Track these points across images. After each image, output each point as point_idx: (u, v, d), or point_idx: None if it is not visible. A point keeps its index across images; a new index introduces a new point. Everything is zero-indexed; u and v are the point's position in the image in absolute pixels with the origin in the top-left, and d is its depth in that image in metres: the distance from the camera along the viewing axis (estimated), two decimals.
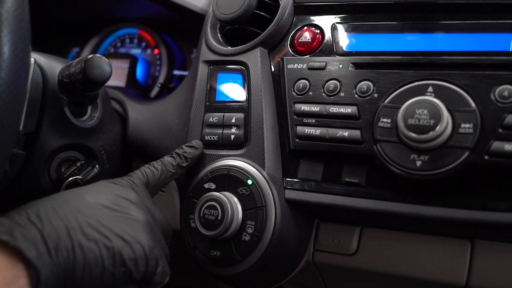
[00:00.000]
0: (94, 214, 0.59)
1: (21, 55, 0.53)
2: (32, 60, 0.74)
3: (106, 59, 0.71)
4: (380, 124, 0.69)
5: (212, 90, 0.84)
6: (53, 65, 0.77)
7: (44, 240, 0.52)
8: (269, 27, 0.82)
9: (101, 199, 0.61)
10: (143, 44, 1.26)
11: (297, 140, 0.75)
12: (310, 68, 0.77)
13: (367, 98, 0.71)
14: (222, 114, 0.81)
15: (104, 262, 0.56)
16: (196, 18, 1.00)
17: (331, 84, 0.75)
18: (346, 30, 0.78)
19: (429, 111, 0.63)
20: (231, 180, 0.75)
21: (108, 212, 0.60)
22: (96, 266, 0.55)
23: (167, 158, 0.76)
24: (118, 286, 0.59)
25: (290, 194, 0.75)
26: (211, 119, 0.82)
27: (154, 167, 0.73)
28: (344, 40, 0.78)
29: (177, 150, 0.78)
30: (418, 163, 0.65)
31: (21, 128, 0.71)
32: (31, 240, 0.51)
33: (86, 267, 0.54)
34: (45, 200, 0.58)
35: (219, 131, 0.80)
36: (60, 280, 0.52)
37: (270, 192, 0.74)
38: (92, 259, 0.55)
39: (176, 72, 1.20)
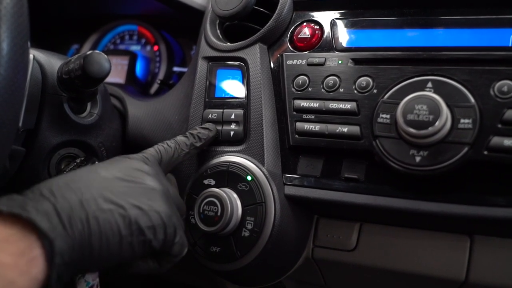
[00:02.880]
0: (109, 186, 0.58)
1: (20, 51, 0.53)
2: (31, 56, 0.74)
3: (105, 55, 0.71)
4: (379, 119, 0.69)
5: (211, 87, 0.84)
6: (52, 62, 0.77)
7: (57, 212, 0.51)
8: (268, 23, 0.82)
9: (115, 172, 0.60)
10: (143, 40, 1.26)
11: (297, 136, 0.75)
12: (309, 64, 0.77)
13: (367, 94, 0.71)
14: (222, 110, 0.81)
15: (121, 231, 0.55)
16: (195, 15, 1.00)
17: (331, 80, 0.75)
18: (345, 26, 0.78)
19: (428, 107, 0.63)
20: (231, 176, 0.75)
21: (123, 183, 0.59)
22: (113, 236, 0.54)
23: (180, 138, 0.75)
24: (138, 256, 0.58)
25: (290, 190, 0.75)
26: (210, 115, 0.82)
27: (167, 145, 0.73)
28: (343, 36, 0.78)
29: (191, 131, 0.78)
30: (418, 159, 0.65)
31: (20, 124, 0.71)
32: (44, 213, 0.50)
33: (103, 238, 0.53)
34: (59, 177, 0.57)
35: (219, 127, 0.80)
36: (77, 252, 0.51)
37: (270, 188, 0.74)
38: (108, 229, 0.54)
39: (175, 69, 1.20)
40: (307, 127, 0.74)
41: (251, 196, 0.73)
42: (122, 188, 0.58)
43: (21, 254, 0.47)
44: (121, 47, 1.28)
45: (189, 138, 0.75)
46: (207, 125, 0.80)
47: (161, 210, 0.60)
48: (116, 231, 0.55)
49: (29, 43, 0.56)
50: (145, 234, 0.57)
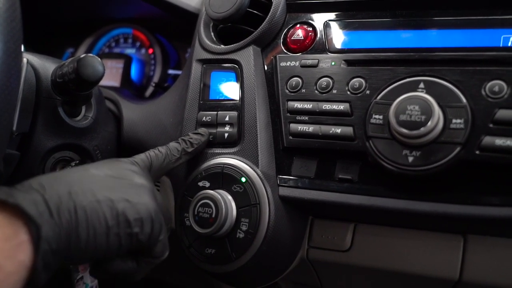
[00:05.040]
0: (98, 181, 0.58)
1: (13, 55, 0.53)
2: (24, 60, 0.74)
3: (99, 59, 0.71)
4: (372, 120, 0.69)
5: (205, 89, 0.84)
6: (46, 65, 0.77)
7: (45, 201, 0.51)
8: (262, 25, 0.82)
9: (105, 170, 0.61)
10: (138, 44, 1.26)
11: (290, 137, 0.76)
12: (302, 66, 0.77)
13: (359, 95, 0.72)
14: (216, 112, 0.81)
15: (108, 222, 0.55)
16: (189, 17, 1.00)
17: (324, 81, 0.75)
18: (338, 28, 0.79)
19: (420, 107, 0.64)
20: (225, 178, 0.76)
21: (112, 179, 0.60)
22: (100, 227, 0.55)
23: (172, 144, 0.76)
24: (125, 250, 0.58)
25: (284, 191, 0.75)
26: (204, 118, 0.82)
27: (158, 150, 0.73)
28: (336, 37, 0.78)
29: (183, 137, 0.78)
30: (410, 159, 0.65)
31: (14, 128, 0.71)
32: (32, 201, 0.50)
33: (90, 228, 0.54)
34: (49, 173, 0.59)
35: (213, 129, 0.80)
36: (64, 240, 0.52)
37: (264, 189, 0.74)
38: (95, 219, 0.54)
39: (170, 72, 1.21)
40: (300, 128, 0.75)
41: (246, 197, 0.74)
42: (112, 184, 0.59)
43: (7, 239, 0.47)
44: (116, 50, 1.28)
45: (180, 144, 0.76)
46: (199, 130, 0.80)
47: (149, 204, 0.60)
48: (103, 222, 0.55)
49: (22, 47, 0.56)
50: (132, 227, 0.57)
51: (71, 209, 0.53)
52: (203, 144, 0.79)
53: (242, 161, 0.77)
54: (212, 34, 0.89)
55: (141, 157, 0.71)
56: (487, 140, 0.63)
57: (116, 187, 0.59)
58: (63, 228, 0.52)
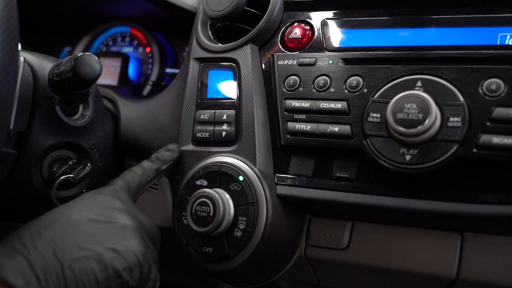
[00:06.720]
0: (82, 230, 0.58)
1: (9, 54, 0.53)
2: (21, 59, 0.74)
3: (96, 57, 0.71)
4: (369, 119, 0.69)
5: (203, 87, 0.84)
6: (43, 64, 0.77)
7: (31, 267, 0.51)
8: (259, 24, 0.82)
9: (87, 213, 0.61)
10: (135, 42, 1.26)
11: (288, 136, 0.76)
12: (300, 64, 0.77)
13: (357, 93, 0.72)
14: (214, 111, 0.81)
15: (97, 277, 0.55)
16: (187, 16, 1.00)
17: (321, 79, 0.75)
18: (336, 26, 0.79)
19: (417, 105, 0.64)
20: (223, 177, 0.76)
21: (96, 225, 0.60)
22: (90, 283, 0.54)
23: (146, 163, 0.77)
24: None
25: (282, 189, 0.75)
26: (202, 116, 0.82)
27: (135, 172, 0.74)
28: (333, 36, 0.78)
29: (155, 154, 0.79)
30: (408, 157, 0.65)
31: (11, 127, 0.71)
32: (17, 269, 0.50)
33: (79, 286, 0.54)
34: (30, 226, 0.57)
35: (211, 128, 0.80)
36: None
37: (262, 188, 0.74)
38: (84, 277, 0.54)
39: (168, 70, 1.21)
40: (298, 127, 0.75)
41: (243, 196, 0.74)
42: (96, 231, 0.59)
43: None
44: (114, 49, 1.28)
45: (154, 163, 0.77)
46: (170, 146, 0.81)
47: (136, 249, 0.60)
48: (92, 278, 0.55)
49: (19, 46, 0.56)
50: (122, 276, 0.58)
51: (58, 272, 0.53)
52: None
53: (240, 160, 0.77)
54: (210, 32, 0.89)
55: (119, 183, 0.71)
56: (484, 138, 0.63)
57: (101, 235, 0.59)
58: None
